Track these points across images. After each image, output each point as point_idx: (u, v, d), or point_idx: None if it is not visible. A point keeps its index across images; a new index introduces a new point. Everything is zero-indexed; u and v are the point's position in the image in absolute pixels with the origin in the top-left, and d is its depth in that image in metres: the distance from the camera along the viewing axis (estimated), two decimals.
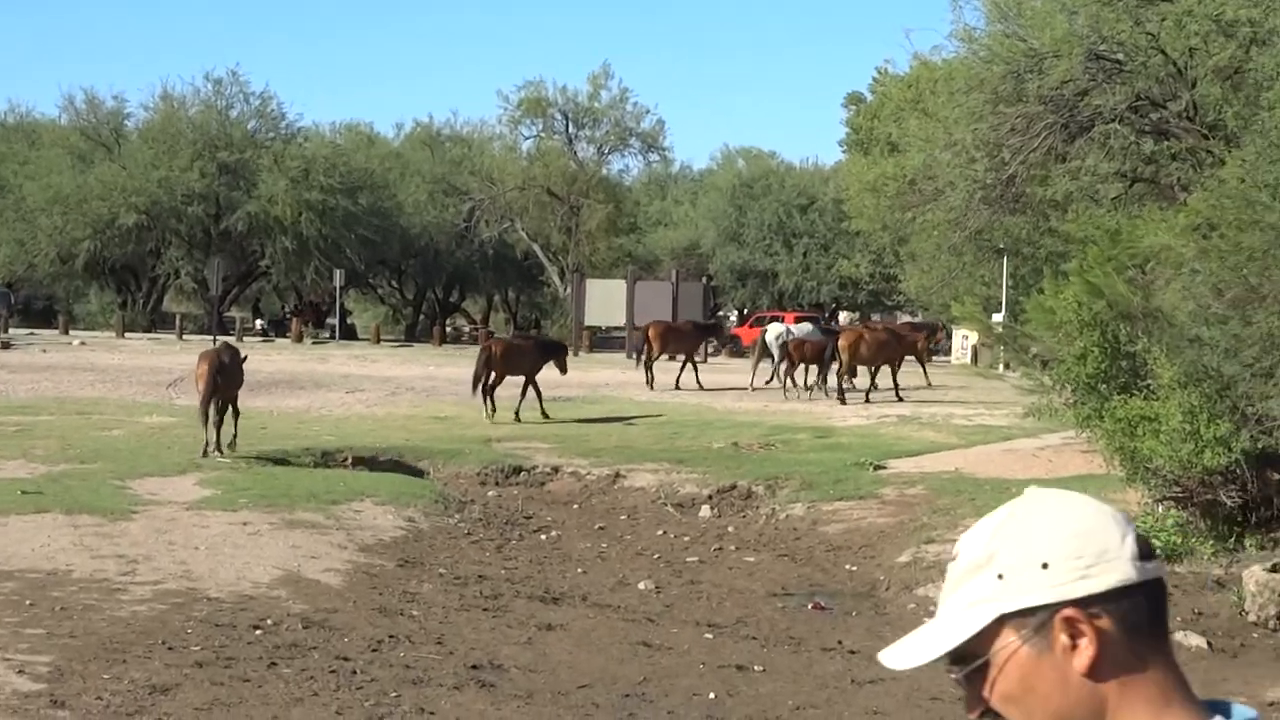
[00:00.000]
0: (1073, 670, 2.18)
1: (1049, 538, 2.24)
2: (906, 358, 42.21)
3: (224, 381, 26.27)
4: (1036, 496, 2.35)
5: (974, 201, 30.91)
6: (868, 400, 38.49)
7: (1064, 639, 2.18)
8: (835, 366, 38.92)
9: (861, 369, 40.07)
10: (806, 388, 40.39)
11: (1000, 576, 2.28)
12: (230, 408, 26.62)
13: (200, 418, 26.02)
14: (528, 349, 35.74)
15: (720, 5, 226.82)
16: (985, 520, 2.40)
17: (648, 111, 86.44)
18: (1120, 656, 2.18)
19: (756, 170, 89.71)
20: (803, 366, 41.09)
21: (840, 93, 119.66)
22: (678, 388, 41.14)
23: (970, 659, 2.31)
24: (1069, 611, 2.18)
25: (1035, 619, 2.21)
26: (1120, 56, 28.05)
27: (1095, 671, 2.17)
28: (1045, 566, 2.21)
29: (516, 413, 33.09)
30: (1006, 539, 2.31)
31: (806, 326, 44.98)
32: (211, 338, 62.74)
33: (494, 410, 33.03)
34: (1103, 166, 28.63)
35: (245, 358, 28.60)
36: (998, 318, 37.49)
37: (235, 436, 26.79)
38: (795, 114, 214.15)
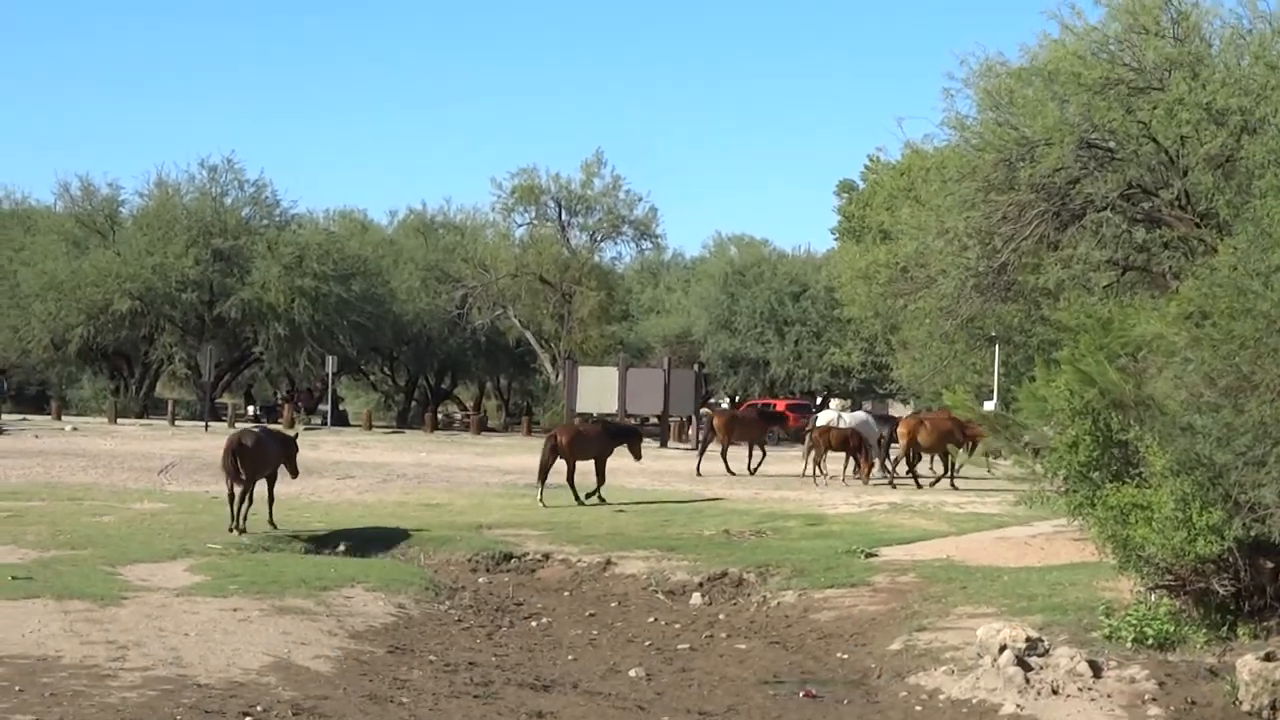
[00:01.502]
0: None
1: None
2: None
3: (245, 463, 27.08)
4: None
5: (966, 289, 30.98)
6: (918, 485, 38.67)
7: None
8: (891, 451, 39.36)
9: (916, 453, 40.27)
10: (818, 473, 40.47)
11: None
12: (266, 487, 28.17)
13: (226, 497, 27.34)
14: (594, 434, 36.27)
15: (712, 93, 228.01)
16: None
17: (640, 199, 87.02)
18: None
19: (749, 258, 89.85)
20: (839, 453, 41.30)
21: (832, 180, 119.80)
22: (752, 473, 42.05)
23: None
24: None
25: None
26: (1112, 145, 28.19)
27: None
28: None
29: (594, 494, 34.07)
30: None
31: (860, 415, 45.08)
32: (204, 424, 62.93)
33: (576, 494, 33.78)
34: (1095, 254, 28.74)
35: (295, 436, 30.18)
36: (989, 405, 37.48)
37: (270, 516, 28.06)
38: (787, 202, 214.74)
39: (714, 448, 44.39)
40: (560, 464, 33.86)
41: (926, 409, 48.15)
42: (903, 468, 40.26)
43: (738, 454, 43.88)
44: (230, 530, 26.81)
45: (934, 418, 40.21)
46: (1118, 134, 28.14)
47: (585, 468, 33.87)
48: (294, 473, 29.67)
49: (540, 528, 29.62)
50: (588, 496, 33.85)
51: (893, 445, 42.94)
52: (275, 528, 27.85)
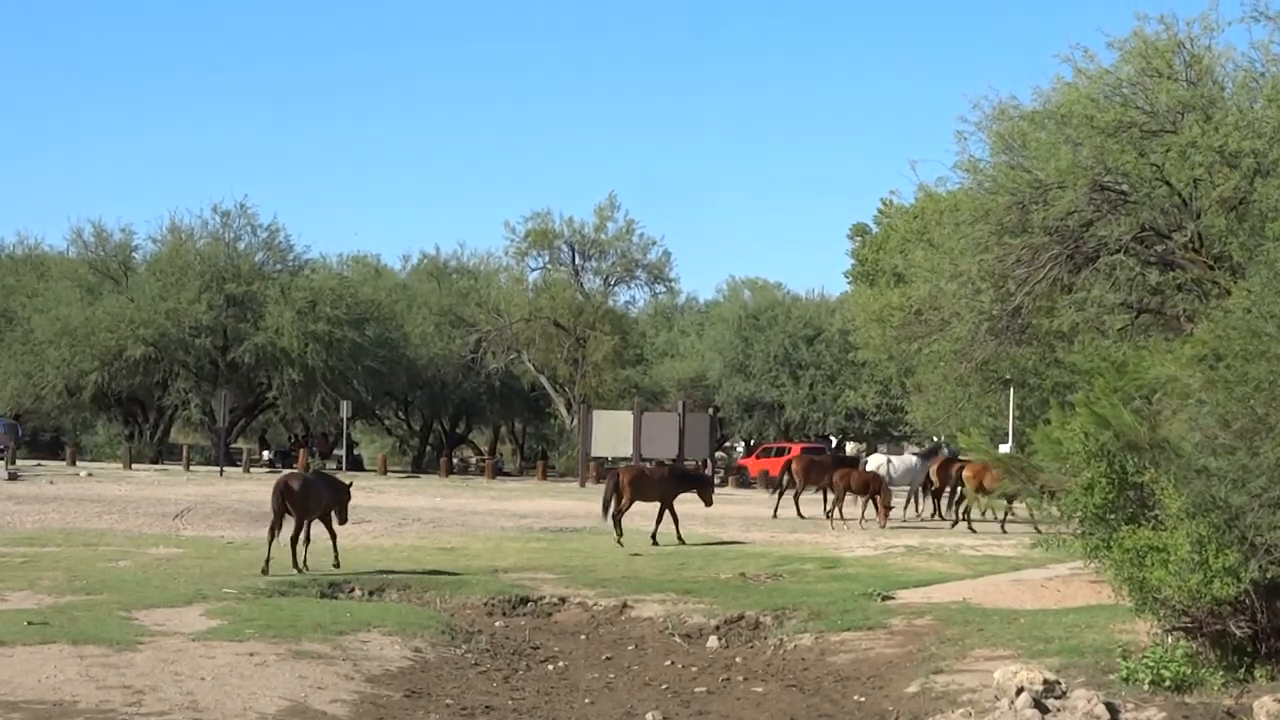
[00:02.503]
0: None
1: None
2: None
3: (292, 506, 28.10)
4: None
5: (980, 332, 31.01)
6: (971, 529, 38.91)
7: None
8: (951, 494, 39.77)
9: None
10: (836, 516, 40.68)
11: None
12: (312, 529, 28.71)
13: (268, 536, 27.93)
14: (658, 476, 37.11)
15: (726, 136, 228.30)
16: None
17: (654, 243, 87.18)
18: None
19: (763, 301, 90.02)
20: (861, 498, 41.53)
21: (846, 224, 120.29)
22: (829, 518, 41.72)
23: None
24: None
25: None
26: (1125, 187, 28.24)
27: None
28: None
29: (653, 536, 35.09)
30: None
31: (910, 459, 45.32)
32: (219, 469, 62.94)
33: (618, 533, 34.72)
34: (1108, 297, 28.75)
35: (347, 485, 30.60)
36: (1004, 448, 37.46)
37: (335, 558, 28.67)
38: (801, 245, 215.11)
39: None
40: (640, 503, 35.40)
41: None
42: (960, 509, 40.89)
43: (808, 498, 44.30)
44: (262, 572, 27.09)
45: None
46: (1131, 177, 28.20)
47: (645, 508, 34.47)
48: (343, 519, 29.97)
49: (556, 571, 29.61)
50: (653, 538, 34.93)
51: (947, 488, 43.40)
52: (338, 568, 28.30)
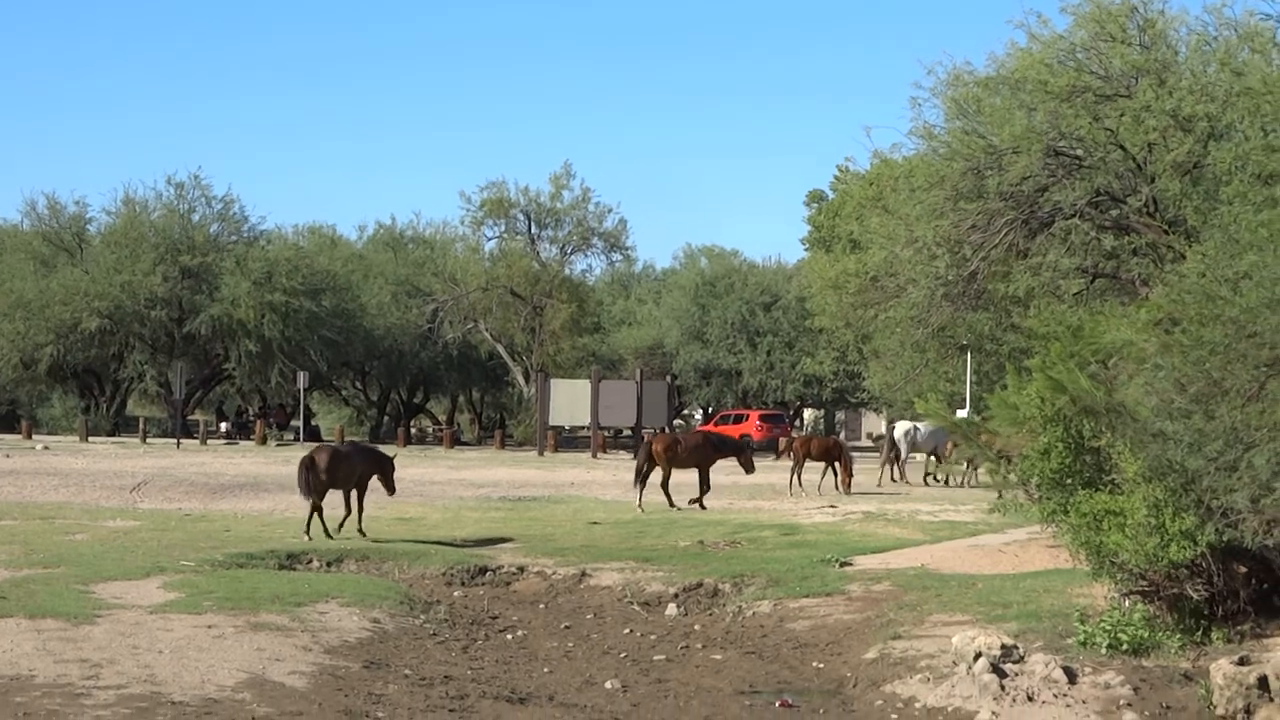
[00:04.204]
0: None
1: None
2: None
3: (326, 477, 29.22)
4: None
5: (936, 298, 31.03)
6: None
7: None
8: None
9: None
10: (795, 484, 40.81)
11: None
12: (348, 498, 30.10)
13: (308, 513, 29.42)
14: (693, 444, 37.45)
15: (682, 104, 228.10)
16: None
17: (610, 211, 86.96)
18: None
19: (719, 269, 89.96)
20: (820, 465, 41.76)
21: (802, 191, 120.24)
22: (790, 486, 41.94)
23: None
24: None
25: None
26: (1079, 152, 28.26)
27: None
28: None
29: (697, 500, 36.06)
30: None
31: (932, 426, 45.62)
32: (175, 441, 62.77)
33: (667, 500, 35.84)
34: (1064, 262, 28.79)
35: (391, 457, 31.70)
36: (962, 414, 37.59)
37: (358, 523, 29.91)
38: (757, 213, 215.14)
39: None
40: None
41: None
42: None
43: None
44: (328, 536, 29.05)
45: None
46: (1085, 141, 28.22)
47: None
48: (390, 489, 31.11)
49: (515, 540, 29.62)
50: (690, 503, 35.80)
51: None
52: (364, 535, 29.48)
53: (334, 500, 29.76)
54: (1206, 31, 28.73)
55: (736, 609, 23.00)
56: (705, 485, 35.98)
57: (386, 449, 34.99)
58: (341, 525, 29.76)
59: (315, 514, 29.09)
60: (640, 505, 35.02)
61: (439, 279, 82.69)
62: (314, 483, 28.94)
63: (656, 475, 35.69)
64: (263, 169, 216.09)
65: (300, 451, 55.65)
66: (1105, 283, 29.95)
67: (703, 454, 36.45)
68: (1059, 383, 18.65)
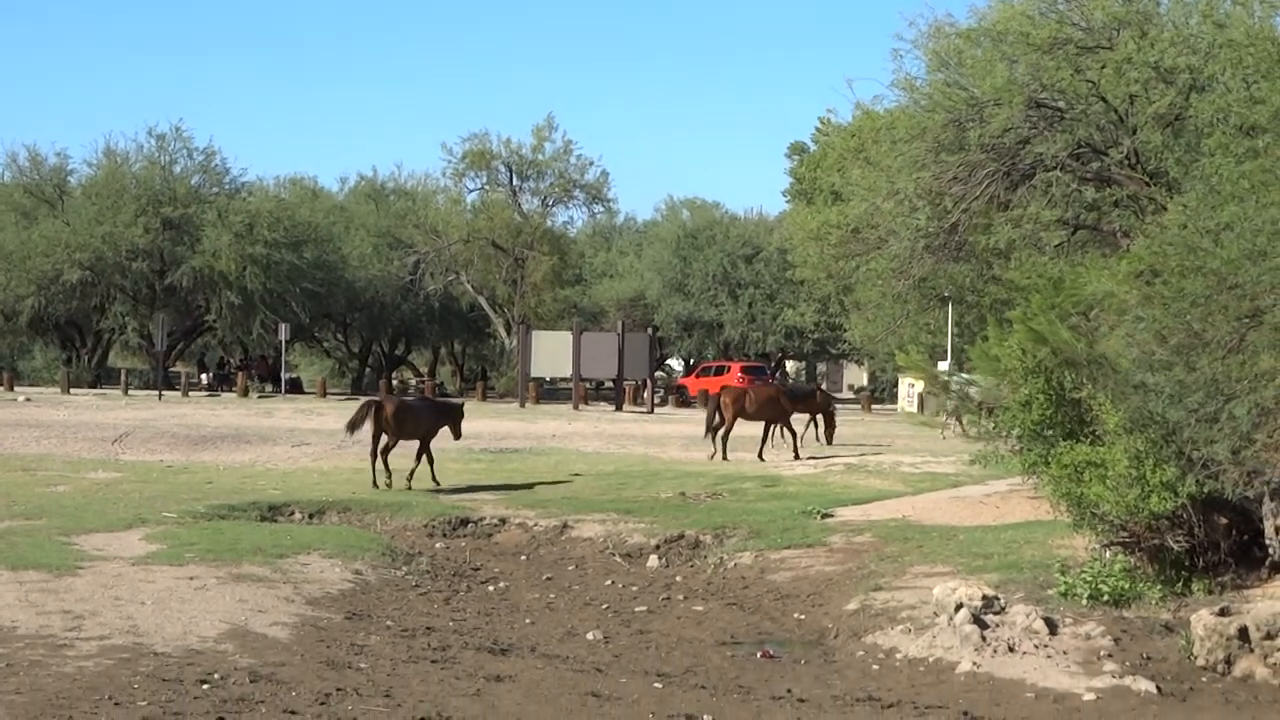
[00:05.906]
0: None
1: None
2: None
3: (394, 426, 30.57)
4: None
5: (917, 250, 31.00)
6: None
7: None
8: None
9: None
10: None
11: None
12: (419, 447, 31.22)
13: (370, 460, 30.88)
14: (767, 396, 38.47)
15: (664, 57, 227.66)
16: None
17: (592, 163, 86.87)
18: None
19: (701, 221, 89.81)
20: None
21: (784, 143, 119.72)
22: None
23: None
24: None
25: None
26: (1061, 104, 28.21)
27: None
28: None
29: (760, 454, 36.89)
30: None
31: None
32: (157, 393, 62.70)
33: (721, 453, 36.63)
34: (1045, 214, 28.74)
35: (459, 405, 34.09)
36: (943, 365, 37.61)
37: (415, 473, 30.84)
38: (739, 164, 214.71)
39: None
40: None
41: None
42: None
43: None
44: (374, 485, 30.15)
45: None
46: (1067, 93, 28.15)
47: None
48: (456, 435, 32.37)
49: (496, 492, 29.66)
50: (765, 458, 36.55)
51: None
52: (438, 484, 30.71)
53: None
54: None
55: (718, 560, 23.05)
56: (791, 433, 37.64)
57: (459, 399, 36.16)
58: (433, 473, 30.91)
59: (379, 460, 30.33)
60: (723, 455, 36.29)
61: (420, 231, 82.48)
62: (392, 429, 30.43)
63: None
64: (244, 121, 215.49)
65: (283, 404, 55.76)
66: (1086, 235, 29.93)
67: (778, 407, 36.98)
68: (1040, 334, 18.70)
